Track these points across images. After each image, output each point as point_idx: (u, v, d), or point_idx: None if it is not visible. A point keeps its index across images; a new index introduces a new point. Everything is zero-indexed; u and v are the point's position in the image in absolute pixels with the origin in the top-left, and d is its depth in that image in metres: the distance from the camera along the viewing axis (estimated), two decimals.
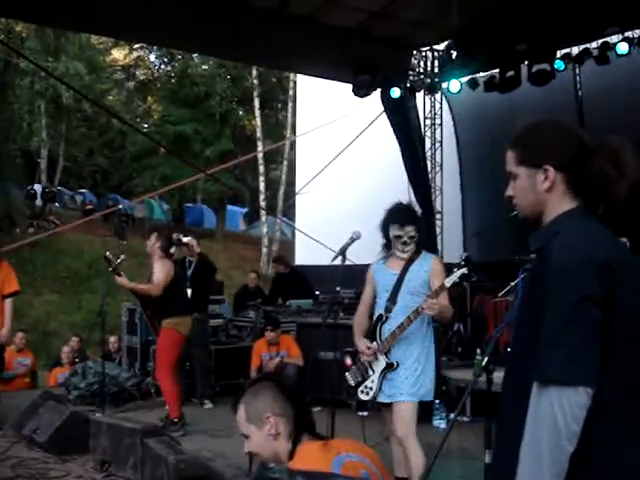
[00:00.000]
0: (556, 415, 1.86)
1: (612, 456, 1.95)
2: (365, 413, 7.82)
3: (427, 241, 4.94)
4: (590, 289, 1.92)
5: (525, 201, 2.21)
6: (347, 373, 4.80)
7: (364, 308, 4.94)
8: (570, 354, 1.88)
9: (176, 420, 7.30)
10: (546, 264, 2.00)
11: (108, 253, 7.44)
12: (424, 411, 6.71)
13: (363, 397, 4.71)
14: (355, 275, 5.15)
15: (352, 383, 4.75)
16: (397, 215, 4.77)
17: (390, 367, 4.61)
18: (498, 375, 2.64)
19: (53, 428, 6.31)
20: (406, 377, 4.59)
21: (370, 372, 4.67)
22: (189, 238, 8.62)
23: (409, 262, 4.74)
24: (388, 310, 4.71)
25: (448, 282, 4.46)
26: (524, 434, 1.94)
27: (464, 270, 4.40)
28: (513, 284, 8.54)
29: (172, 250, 8.44)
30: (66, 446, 6.15)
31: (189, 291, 8.55)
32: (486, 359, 2.88)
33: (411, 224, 4.72)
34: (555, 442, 1.87)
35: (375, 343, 4.70)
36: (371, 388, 4.65)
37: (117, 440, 5.59)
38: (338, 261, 4.70)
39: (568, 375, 1.87)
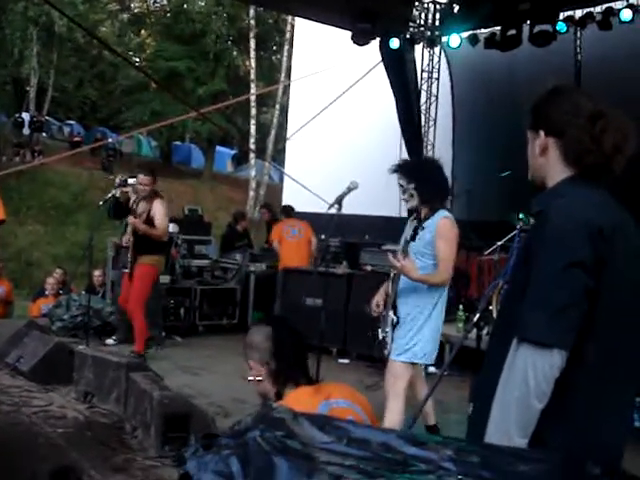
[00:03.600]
0: (527, 372, 1.93)
1: (589, 413, 2.03)
2: (346, 361, 7.98)
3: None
4: (580, 254, 1.96)
5: (531, 164, 2.27)
6: (379, 327, 4.84)
7: None
8: (550, 316, 1.93)
9: (142, 354, 7.47)
10: (543, 227, 2.05)
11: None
12: None
13: (384, 351, 4.74)
14: (341, 224, 5.15)
15: (380, 337, 4.79)
16: (402, 168, 4.76)
17: (394, 323, 4.66)
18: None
19: (37, 357, 6.36)
20: (401, 336, 4.62)
21: (386, 327, 4.72)
22: (134, 180, 8.42)
23: (424, 219, 4.69)
24: None
25: None
26: (498, 386, 2.02)
27: None
28: (500, 243, 8.64)
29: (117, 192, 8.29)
30: (49, 376, 6.21)
31: None
32: (477, 316, 2.93)
33: (411, 181, 4.67)
34: (524, 398, 1.94)
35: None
36: (387, 343, 4.70)
37: (101, 373, 5.65)
38: (333, 210, 4.70)
39: (545, 336, 1.93)
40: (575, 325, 1.95)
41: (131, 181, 8.28)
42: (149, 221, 7.56)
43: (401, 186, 4.72)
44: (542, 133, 2.18)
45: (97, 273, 11.12)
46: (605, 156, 2.09)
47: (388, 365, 4.66)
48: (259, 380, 2.81)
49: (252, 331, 2.97)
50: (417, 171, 4.81)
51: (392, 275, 4.74)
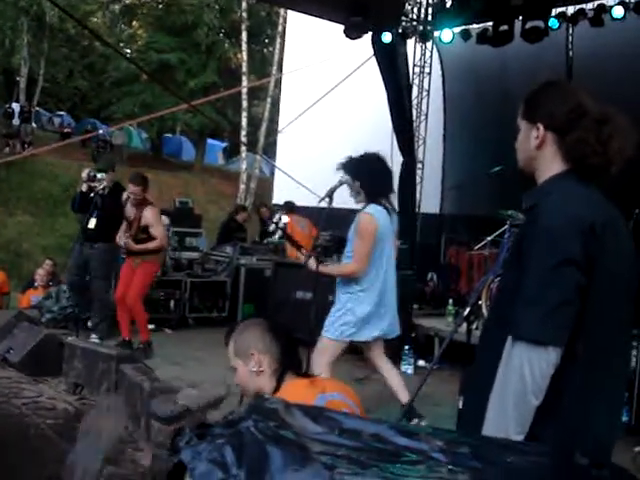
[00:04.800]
0: (524, 370, 1.96)
1: (580, 408, 2.05)
2: None
3: (405, 190, 5.05)
4: (572, 252, 1.98)
5: (521, 154, 2.27)
6: None
7: None
8: (544, 314, 1.96)
9: (149, 342, 7.73)
10: (535, 224, 2.06)
11: None
12: (393, 356, 6.85)
13: None
14: (332, 218, 5.19)
15: None
16: (347, 166, 4.99)
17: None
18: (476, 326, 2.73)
19: (27, 349, 6.31)
20: (330, 315, 5.06)
21: None
22: (102, 175, 8.28)
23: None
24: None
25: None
26: (494, 384, 2.04)
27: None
28: (490, 238, 8.67)
29: (84, 187, 8.26)
30: (39, 367, 6.16)
31: (93, 221, 8.17)
32: (467, 310, 2.95)
33: (356, 179, 4.92)
34: (521, 394, 1.97)
35: None
36: None
37: (91, 364, 5.62)
38: (324, 203, 4.73)
39: (540, 334, 1.95)
40: (569, 322, 1.97)
41: (99, 176, 8.21)
42: (143, 230, 7.57)
43: (347, 184, 4.93)
44: (541, 127, 2.17)
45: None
46: (608, 159, 2.10)
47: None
48: (260, 371, 2.78)
49: (247, 324, 2.94)
50: (360, 168, 4.96)
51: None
